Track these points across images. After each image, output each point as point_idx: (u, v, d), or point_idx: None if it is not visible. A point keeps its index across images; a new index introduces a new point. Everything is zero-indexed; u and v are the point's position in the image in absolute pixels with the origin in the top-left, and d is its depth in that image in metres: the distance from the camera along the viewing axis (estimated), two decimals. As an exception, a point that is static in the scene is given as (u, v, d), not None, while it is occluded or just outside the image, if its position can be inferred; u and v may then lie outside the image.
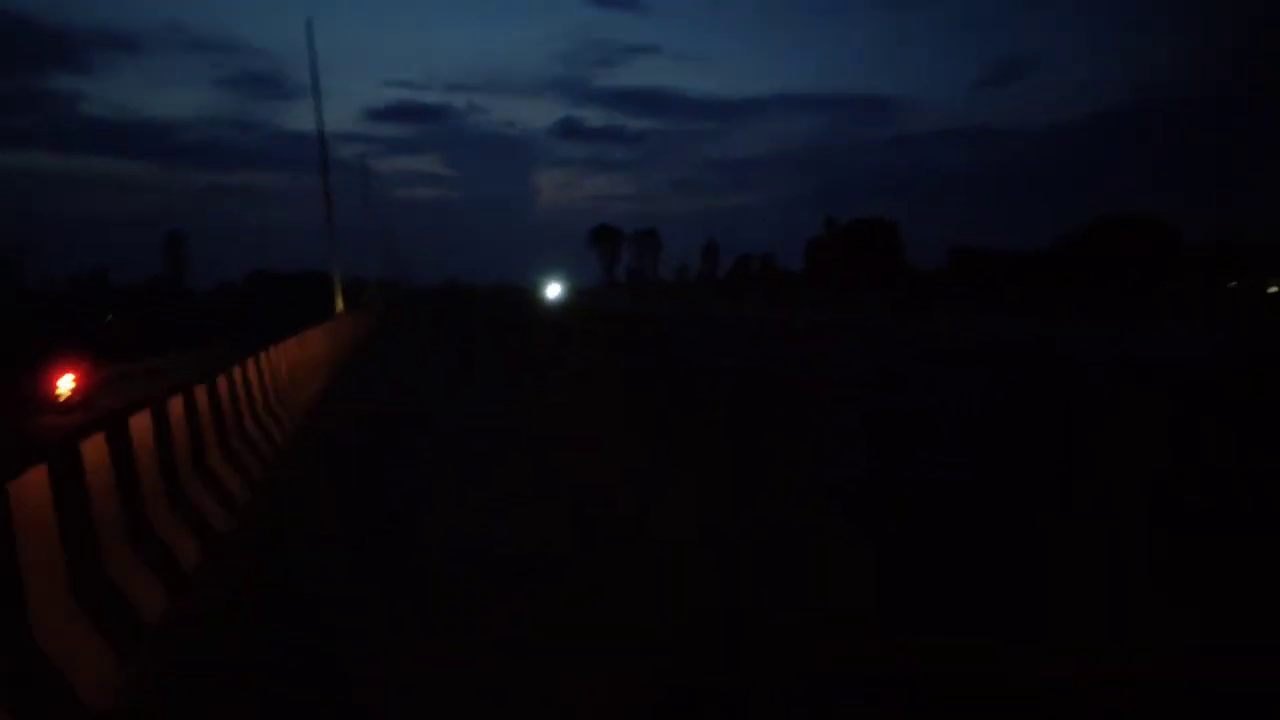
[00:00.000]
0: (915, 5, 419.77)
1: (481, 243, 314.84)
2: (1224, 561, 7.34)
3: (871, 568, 7.20)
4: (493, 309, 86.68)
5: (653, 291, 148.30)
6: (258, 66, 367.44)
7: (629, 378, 23.77)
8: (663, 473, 10.93)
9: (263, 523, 8.92)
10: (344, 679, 5.31)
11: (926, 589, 6.73)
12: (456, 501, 9.77)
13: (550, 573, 7.17)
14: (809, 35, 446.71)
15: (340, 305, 49.32)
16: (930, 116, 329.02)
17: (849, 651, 5.54)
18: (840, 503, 9.36)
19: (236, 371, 11.28)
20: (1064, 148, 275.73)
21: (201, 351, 29.99)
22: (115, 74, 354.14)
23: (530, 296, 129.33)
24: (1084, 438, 12.99)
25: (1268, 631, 5.89)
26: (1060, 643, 5.66)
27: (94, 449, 5.65)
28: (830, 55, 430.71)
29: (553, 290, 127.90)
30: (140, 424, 6.70)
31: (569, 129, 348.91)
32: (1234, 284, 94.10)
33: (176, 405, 7.93)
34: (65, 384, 19.55)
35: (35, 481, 4.67)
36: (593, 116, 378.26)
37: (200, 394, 8.94)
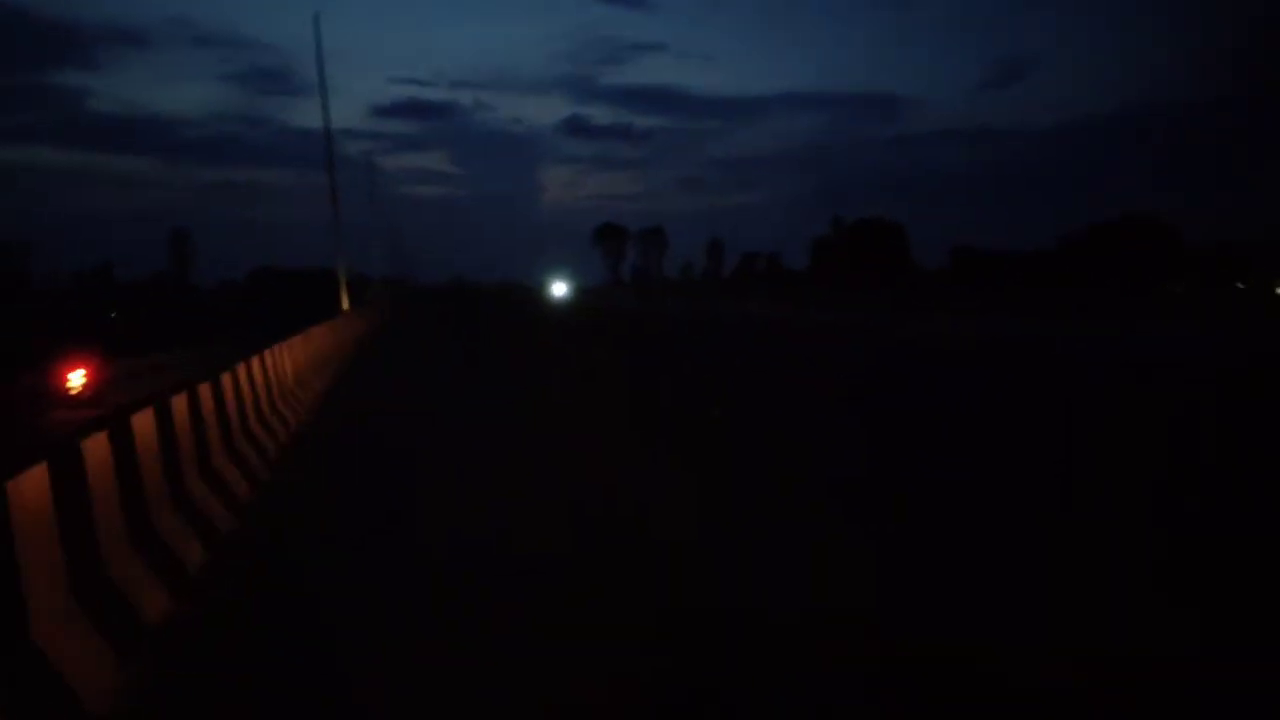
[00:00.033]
0: (919, 5, 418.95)
1: (486, 240, 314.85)
2: (1224, 561, 7.33)
3: (872, 568, 7.18)
4: (498, 307, 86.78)
5: (657, 290, 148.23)
6: (264, 62, 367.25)
7: (633, 376, 23.77)
8: (664, 472, 10.92)
9: (265, 522, 8.93)
10: (343, 679, 5.30)
11: (927, 589, 6.71)
12: (458, 501, 9.77)
13: (550, 572, 7.16)
14: (814, 34, 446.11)
15: (345, 303, 49.36)
16: (933, 116, 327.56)
17: (849, 651, 5.53)
18: (840, 503, 9.34)
19: (241, 369, 11.30)
20: (1066, 148, 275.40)
21: (206, 348, 30.01)
22: (122, 69, 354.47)
23: (536, 295, 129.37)
24: (1085, 438, 12.96)
25: (1268, 631, 5.87)
26: (1060, 643, 5.64)
27: (96, 448, 5.66)
28: (834, 54, 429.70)
29: (558, 289, 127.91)
30: (143, 422, 6.71)
31: (575, 127, 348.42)
32: (1241, 285, 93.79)
33: (180, 403, 7.94)
34: (76, 379, 19.70)
35: (35, 480, 4.68)
36: (599, 114, 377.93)
37: (204, 392, 8.95)
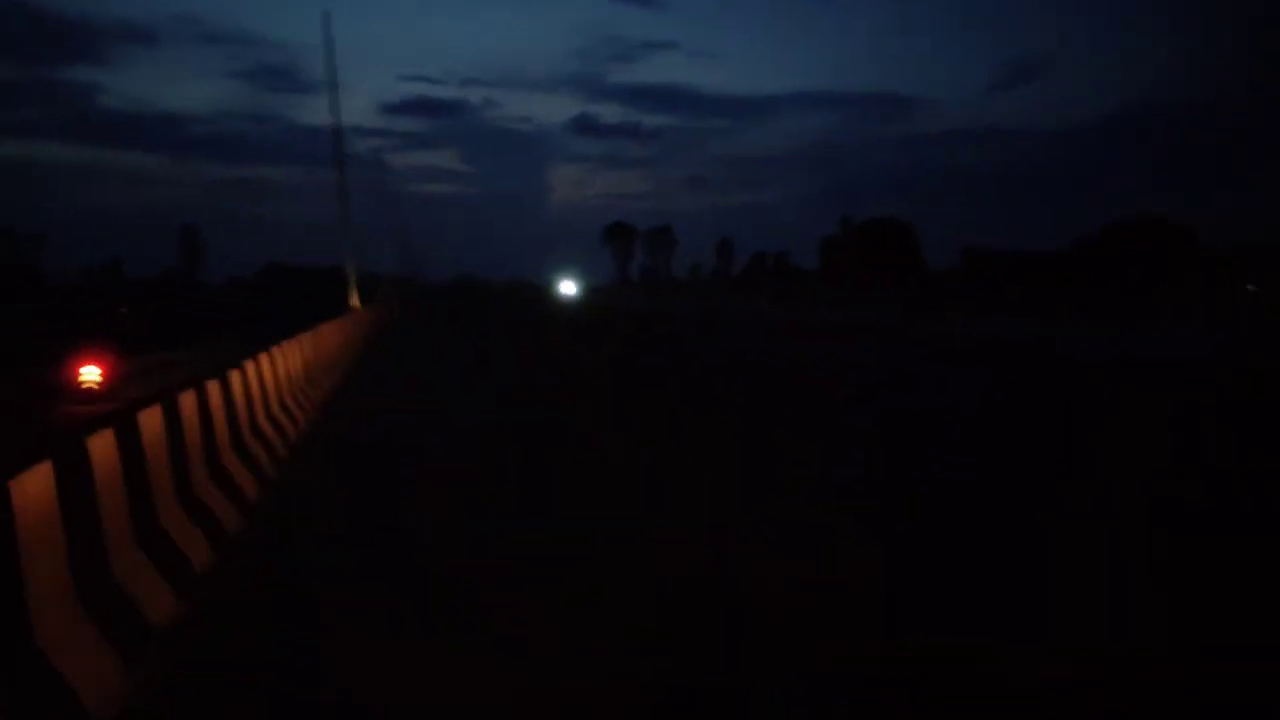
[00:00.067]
0: (929, 6, 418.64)
1: (495, 239, 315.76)
2: (1224, 561, 7.34)
3: (880, 567, 7.17)
4: (508, 306, 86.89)
5: (666, 289, 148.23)
6: (273, 60, 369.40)
7: (642, 375, 23.71)
8: (673, 471, 10.81)
9: (273, 522, 8.82)
10: (348, 680, 5.20)
11: (932, 589, 6.69)
12: (467, 500, 9.68)
13: (553, 573, 7.10)
14: (824, 34, 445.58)
15: (355, 300, 49.40)
16: (943, 116, 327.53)
17: (849, 651, 5.51)
18: (851, 502, 9.34)
19: (250, 366, 11.18)
20: (1076, 149, 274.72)
21: (216, 345, 30.01)
22: (131, 66, 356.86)
23: (545, 294, 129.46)
24: (1094, 439, 12.94)
25: (1268, 631, 5.84)
26: (1060, 643, 5.62)
27: (101, 445, 5.53)
28: (844, 54, 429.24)
29: (567, 288, 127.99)
30: (150, 420, 6.59)
31: (584, 125, 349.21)
32: (1252, 287, 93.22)
33: (188, 401, 7.82)
34: (90, 374, 19.89)
35: (39, 479, 4.55)
36: (608, 113, 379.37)
37: (213, 389, 8.83)
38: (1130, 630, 5.84)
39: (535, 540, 8.08)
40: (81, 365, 19.96)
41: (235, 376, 10.12)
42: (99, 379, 19.83)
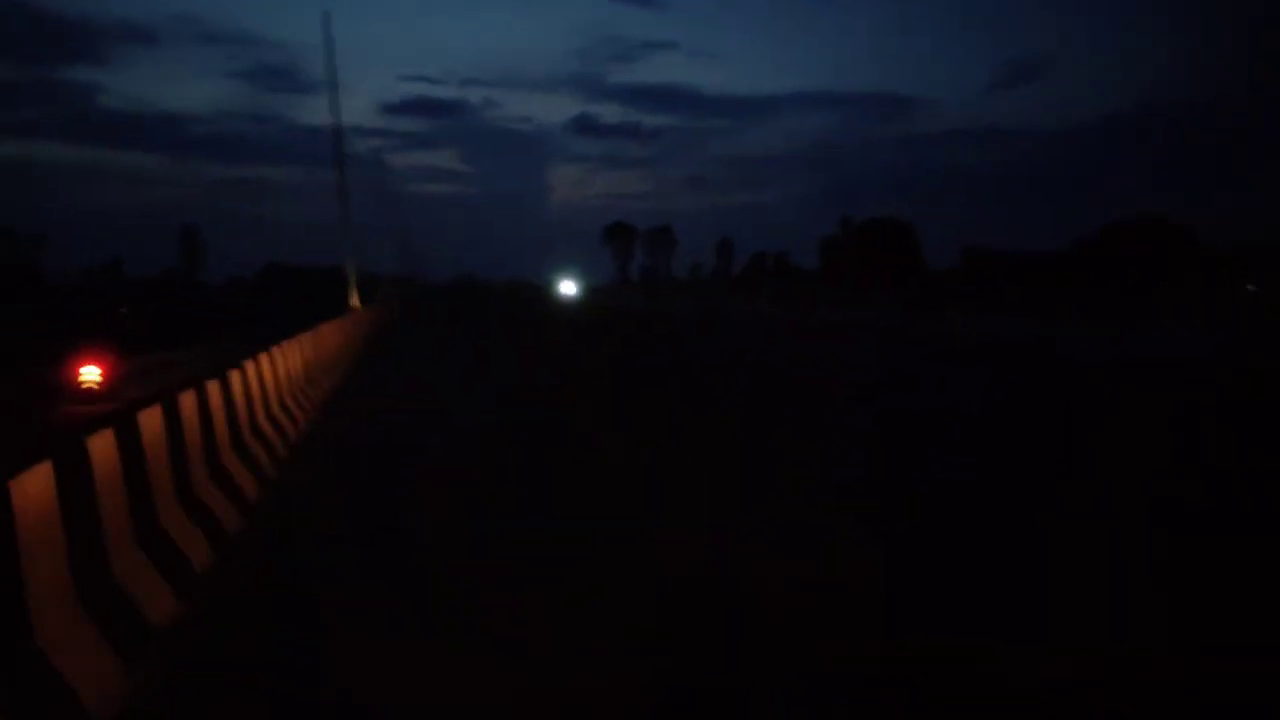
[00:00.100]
0: (928, 5, 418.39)
1: (495, 239, 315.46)
2: (1224, 561, 7.33)
3: (880, 567, 7.17)
4: (508, 306, 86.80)
5: (666, 289, 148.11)
6: (273, 60, 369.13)
7: (642, 375, 23.70)
8: (673, 471, 10.81)
9: (273, 522, 8.81)
10: (348, 680, 5.19)
11: (930, 589, 6.69)
12: (467, 500, 9.68)
13: (553, 573, 7.10)
14: (824, 34, 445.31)
15: (356, 300, 49.38)
16: (944, 116, 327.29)
17: (849, 651, 5.50)
18: (850, 502, 9.33)
19: (250, 366, 11.18)
20: (1075, 149, 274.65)
21: (216, 345, 30.00)
22: (131, 66, 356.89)
23: (544, 294, 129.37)
24: (1093, 438, 12.93)
25: (1268, 631, 5.83)
26: (1060, 643, 5.61)
27: (101, 445, 5.53)
28: (844, 54, 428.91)
29: (567, 288, 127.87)
30: (150, 420, 6.58)
31: (584, 125, 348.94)
32: (1252, 287, 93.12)
33: (188, 401, 7.81)
34: (91, 374, 19.92)
35: (39, 479, 4.55)
36: (608, 113, 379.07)
37: (213, 389, 8.83)
38: (1130, 630, 5.82)
39: (535, 540, 8.06)
40: (81, 365, 19.99)
41: (235, 376, 10.11)
42: (99, 379, 19.85)
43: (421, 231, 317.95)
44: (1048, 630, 5.83)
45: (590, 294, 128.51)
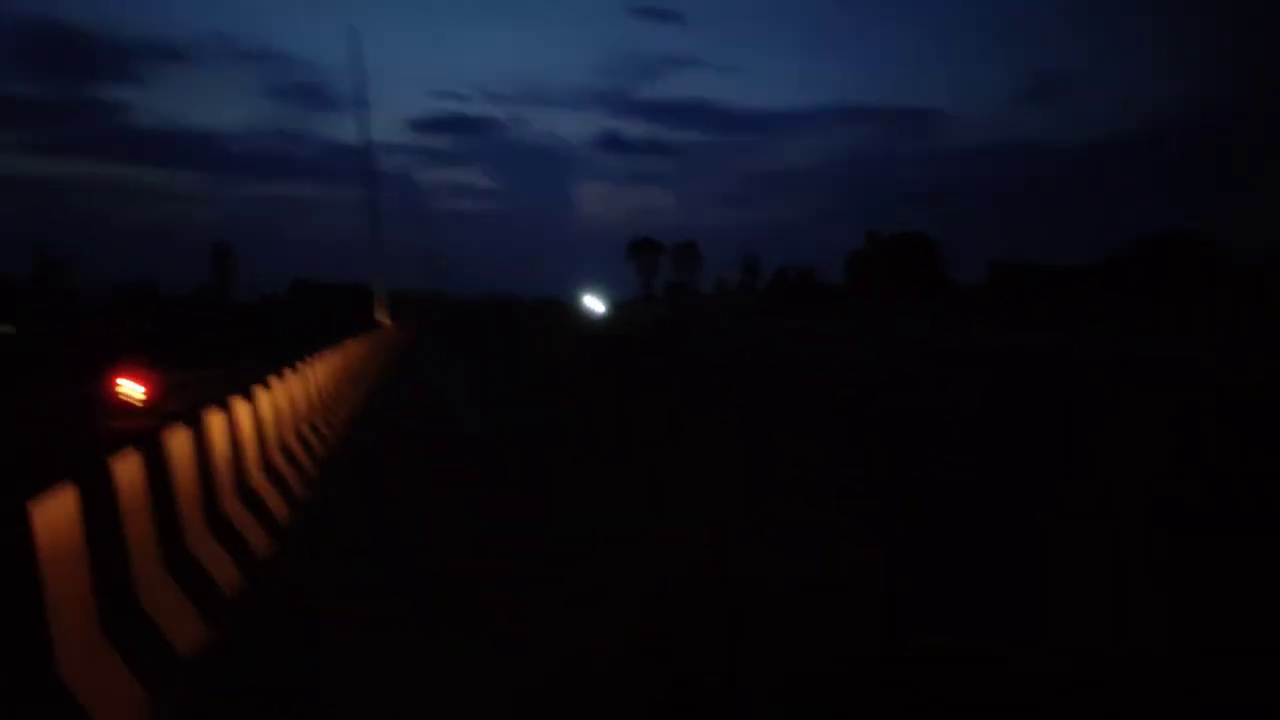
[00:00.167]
0: (954, 20, 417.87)
1: (520, 255, 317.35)
2: (1224, 561, 7.35)
3: (880, 567, 7.19)
4: (539, 328, 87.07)
5: (688, 307, 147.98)
6: (303, 77, 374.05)
7: (643, 376, 23.71)
8: (673, 472, 10.71)
9: (303, 545, 8.72)
10: (344, 679, 5.17)
11: (930, 588, 6.69)
12: (465, 502, 9.74)
13: (553, 573, 7.12)
14: (848, 49, 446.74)
15: (383, 318, 49.56)
16: (970, 131, 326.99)
17: (849, 651, 5.50)
18: (850, 502, 9.41)
19: (276, 385, 11.09)
20: (1101, 164, 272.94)
21: (242, 362, 30.15)
22: (163, 84, 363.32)
23: (571, 312, 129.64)
24: (1097, 440, 13.03)
25: (1268, 631, 5.85)
26: (1060, 643, 5.62)
27: (127, 467, 5.40)
28: (869, 69, 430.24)
29: (594, 305, 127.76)
30: (178, 440, 6.47)
31: (609, 141, 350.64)
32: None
33: (217, 420, 7.70)
34: (130, 389, 20.09)
35: (62, 502, 4.42)
36: (633, 129, 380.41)
37: (241, 408, 8.72)
38: (1130, 630, 5.84)
39: (535, 540, 8.11)
40: (119, 379, 20.17)
41: (263, 395, 10.02)
42: (141, 394, 20.03)
43: (448, 248, 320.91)
44: (1048, 630, 5.84)
45: (616, 310, 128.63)
